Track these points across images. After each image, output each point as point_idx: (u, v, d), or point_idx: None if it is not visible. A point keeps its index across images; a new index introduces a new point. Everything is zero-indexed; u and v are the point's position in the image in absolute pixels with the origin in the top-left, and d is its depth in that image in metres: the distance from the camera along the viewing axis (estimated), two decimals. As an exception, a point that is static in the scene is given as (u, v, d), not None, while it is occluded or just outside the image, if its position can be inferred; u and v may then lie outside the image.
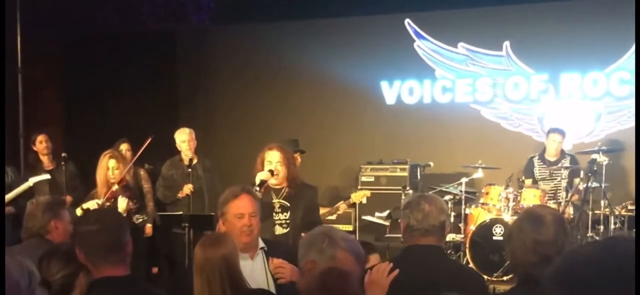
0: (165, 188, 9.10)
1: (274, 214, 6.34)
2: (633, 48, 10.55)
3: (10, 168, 8.66)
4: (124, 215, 7.46)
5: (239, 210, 4.55)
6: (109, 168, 7.71)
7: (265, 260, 4.53)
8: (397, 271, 3.66)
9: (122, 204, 7.54)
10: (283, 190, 6.38)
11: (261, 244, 4.62)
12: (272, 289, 4.40)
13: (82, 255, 3.46)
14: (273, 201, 6.35)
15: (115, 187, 7.59)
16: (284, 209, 6.35)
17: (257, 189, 6.16)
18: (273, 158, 6.35)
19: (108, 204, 7.61)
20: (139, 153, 8.17)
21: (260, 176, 6.28)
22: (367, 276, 3.69)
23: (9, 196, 8.23)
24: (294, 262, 4.41)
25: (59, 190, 9.20)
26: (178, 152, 9.14)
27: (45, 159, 9.69)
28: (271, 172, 6.28)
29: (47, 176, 8.69)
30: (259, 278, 4.47)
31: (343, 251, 3.47)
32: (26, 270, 2.16)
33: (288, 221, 6.33)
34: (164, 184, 9.12)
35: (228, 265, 3.83)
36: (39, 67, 11.73)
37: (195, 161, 8.98)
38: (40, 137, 9.68)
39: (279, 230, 6.30)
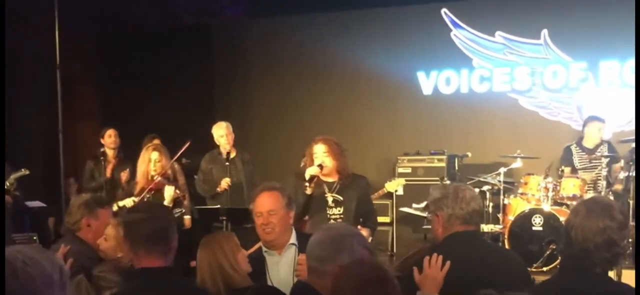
0: (204, 182, 9.11)
1: (328, 209, 6.29)
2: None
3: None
4: (171, 204, 7.48)
5: (258, 209, 4.59)
6: (151, 161, 7.72)
7: (296, 256, 4.49)
8: (449, 263, 3.66)
9: (169, 191, 7.52)
10: (335, 184, 6.33)
11: (293, 240, 4.60)
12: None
13: (128, 245, 3.50)
14: (326, 195, 6.31)
15: (158, 178, 7.57)
16: (337, 203, 6.29)
17: (307, 184, 6.19)
18: (318, 150, 6.31)
19: (148, 196, 7.61)
20: (178, 155, 8.15)
21: (309, 171, 6.24)
22: (417, 274, 3.67)
23: None
24: None
25: (116, 186, 9.37)
26: (215, 146, 9.15)
27: (110, 153, 9.79)
28: (321, 166, 6.25)
29: (26, 172, 8.60)
30: (283, 274, 4.50)
31: (365, 249, 3.48)
32: (57, 264, 2.22)
33: (342, 216, 6.30)
34: (203, 178, 9.14)
35: (219, 267, 4.08)
36: (77, 63, 11.84)
37: (233, 154, 8.99)
38: (110, 131, 9.81)
39: None
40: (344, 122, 11.94)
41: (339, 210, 6.29)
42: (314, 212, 6.30)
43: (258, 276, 4.41)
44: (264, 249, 4.59)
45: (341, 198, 6.30)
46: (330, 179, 6.36)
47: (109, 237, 4.42)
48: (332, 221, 6.23)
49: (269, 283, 4.45)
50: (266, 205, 4.55)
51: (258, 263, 4.52)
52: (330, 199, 6.29)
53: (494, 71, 11.80)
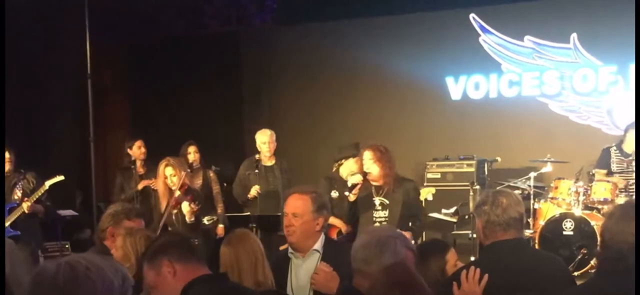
0: (239, 186, 9.19)
1: (374, 212, 6.55)
2: None
3: (31, 174, 8.68)
4: (192, 218, 7.51)
5: (285, 209, 4.66)
6: (167, 176, 7.74)
7: (318, 263, 4.50)
8: (486, 276, 3.65)
9: (185, 207, 7.56)
10: (383, 189, 6.54)
11: (317, 246, 4.60)
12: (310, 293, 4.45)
13: (174, 264, 3.46)
14: (374, 198, 6.56)
15: (177, 193, 7.58)
16: (383, 206, 6.55)
17: (346, 193, 6.56)
18: (366, 157, 6.59)
19: (175, 211, 7.64)
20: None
21: (351, 180, 6.58)
22: (456, 289, 3.67)
23: (30, 200, 8.30)
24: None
25: (148, 197, 9.42)
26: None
27: (139, 164, 9.68)
28: (365, 174, 6.47)
29: (61, 178, 8.58)
30: (303, 280, 4.54)
31: (409, 250, 3.60)
32: (120, 272, 2.30)
33: (387, 219, 6.49)
34: (239, 183, 9.22)
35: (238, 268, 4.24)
36: (107, 72, 11.96)
37: (269, 163, 9.06)
38: (139, 143, 9.73)
39: None
40: (372, 127, 11.93)
41: (385, 214, 6.50)
42: (360, 214, 6.60)
43: (281, 275, 4.50)
44: (289, 250, 4.66)
45: (387, 201, 6.48)
46: (377, 184, 6.55)
47: (117, 247, 4.43)
48: (377, 224, 6.39)
49: (289, 286, 4.53)
50: (292, 207, 4.60)
51: (283, 263, 4.61)
52: (377, 202, 6.50)
53: (523, 76, 11.73)
